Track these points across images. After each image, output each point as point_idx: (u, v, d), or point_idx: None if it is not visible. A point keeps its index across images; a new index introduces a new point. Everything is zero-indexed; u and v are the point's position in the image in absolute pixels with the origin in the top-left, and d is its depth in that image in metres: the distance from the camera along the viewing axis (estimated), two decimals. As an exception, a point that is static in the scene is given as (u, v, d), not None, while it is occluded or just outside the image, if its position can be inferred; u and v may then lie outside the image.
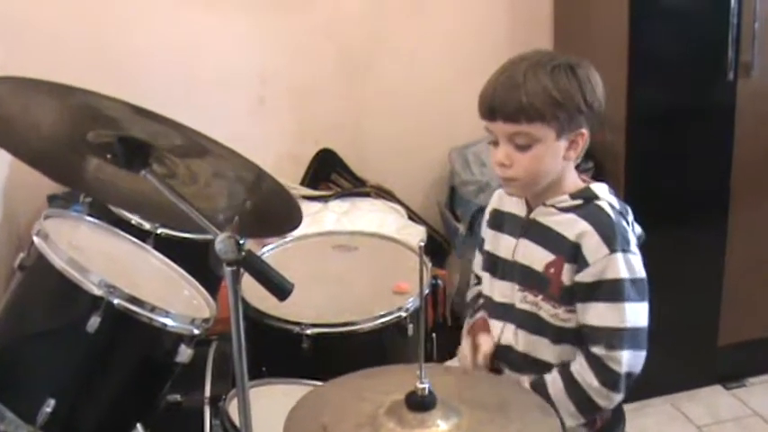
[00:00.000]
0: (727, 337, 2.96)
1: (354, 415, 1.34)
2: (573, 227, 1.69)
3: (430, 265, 2.37)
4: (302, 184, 3.13)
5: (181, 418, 2.02)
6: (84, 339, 1.74)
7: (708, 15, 2.66)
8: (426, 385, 1.31)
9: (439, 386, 1.32)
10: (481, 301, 1.93)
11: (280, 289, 1.38)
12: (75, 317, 1.74)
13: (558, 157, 1.69)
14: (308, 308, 2.06)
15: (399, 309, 2.09)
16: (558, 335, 1.73)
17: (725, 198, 2.83)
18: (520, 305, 1.77)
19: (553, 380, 1.71)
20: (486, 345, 1.82)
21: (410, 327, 2.09)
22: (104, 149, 1.43)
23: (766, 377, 3.07)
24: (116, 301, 1.74)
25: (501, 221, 1.86)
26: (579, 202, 1.72)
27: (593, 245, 1.66)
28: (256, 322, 2.03)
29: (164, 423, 1.94)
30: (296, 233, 2.27)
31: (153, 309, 1.79)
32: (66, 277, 1.75)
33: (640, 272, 1.68)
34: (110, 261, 1.98)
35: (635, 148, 2.74)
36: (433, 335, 2.32)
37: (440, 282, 2.54)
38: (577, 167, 1.79)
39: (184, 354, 1.84)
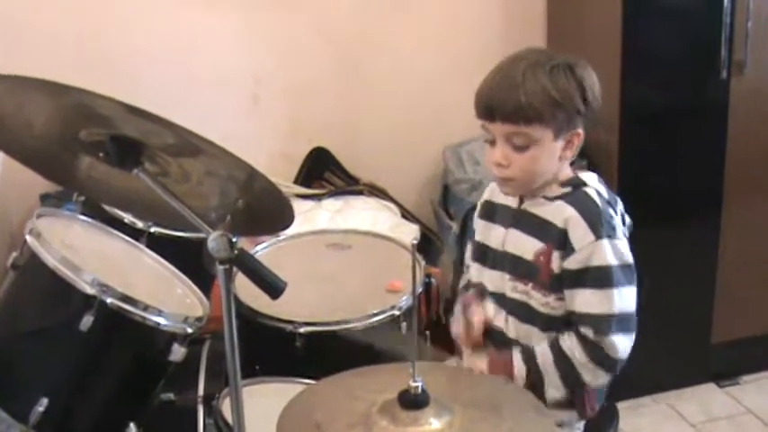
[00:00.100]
0: (720, 335, 2.96)
1: (347, 413, 1.34)
2: (560, 213, 1.69)
3: (423, 263, 2.37)
4: (295, 182, 3.13)
5: (174, 416, 2.02)
6: (77, 338, 1.74)
7: (701, 14, 2.66)
8: (419, 383, 1.31)
9: (432, 384, 1.32)
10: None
11: (272, 287, 1.38)
12: (68, 316, 1.74)
13: (555, 157, 1.70)
14: (302, 306, 2.05)
15: (393, 307, 2.09)
16: (547, 323, 1.74)
17: (718, 196, 2.83)
18: (510, 294, 1.77)
19: (542, 352, 1.72)
20: (477, 315, 1.81)
21: (403, 325, 2.09)
22: (97, 148, 1.43)
23: (760, 375, 3.07)
24: (109, 300, 1.74)
25: (493, 212, 1.86)
26: (568, 189, 1.73)
27: (579, 231, 1.66)
28: (249, 321, 2.02)
29: (157, 422, 1.94)
30: (289, 231, 2.26)
31: (146, 307, 1.79)
32: (58, 276, 1.75)
33: (628, 256, 1.68)
34: (103, 260, 1.98)
35: (628, 146, 2.74)
36: (427, 333, 2.32)
37: (433, 280, 2.55)
38: (571, 165, 1.79)
39: (178, 352, 1.85)
